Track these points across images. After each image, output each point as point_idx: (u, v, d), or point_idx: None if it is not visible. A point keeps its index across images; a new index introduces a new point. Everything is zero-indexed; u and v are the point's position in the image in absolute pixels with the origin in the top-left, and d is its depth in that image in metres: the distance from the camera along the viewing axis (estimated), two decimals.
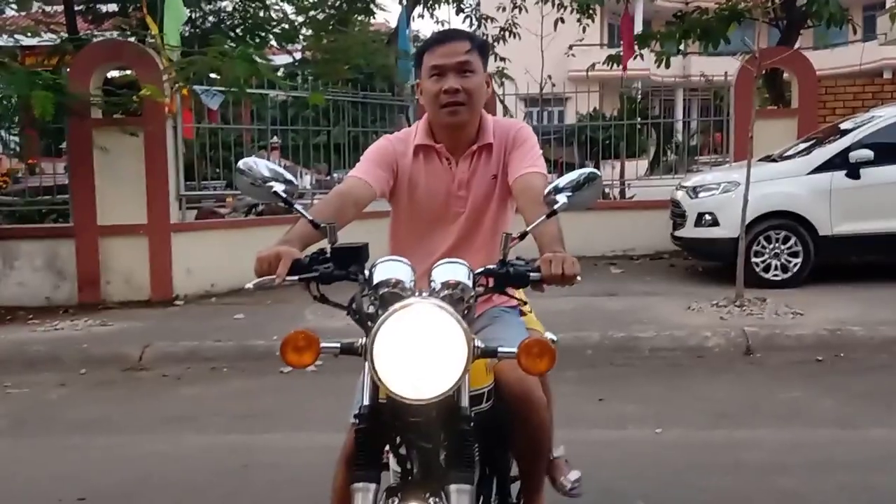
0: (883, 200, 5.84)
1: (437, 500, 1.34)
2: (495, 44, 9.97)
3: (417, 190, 1.80)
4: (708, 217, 6.18)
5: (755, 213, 5.68)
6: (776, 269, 5.96)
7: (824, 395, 3.75)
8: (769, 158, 6.52)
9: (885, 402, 3.63)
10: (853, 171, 5.89)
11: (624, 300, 5.62)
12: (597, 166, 9.27)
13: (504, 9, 9.98)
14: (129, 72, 6.50)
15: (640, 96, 9.63)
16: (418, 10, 9.76)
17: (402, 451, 1.46)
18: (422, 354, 1.27)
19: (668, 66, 8.60)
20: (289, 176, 1.55)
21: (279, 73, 7.39)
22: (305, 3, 8.18)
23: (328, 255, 1.46)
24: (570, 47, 9.97)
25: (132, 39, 6.72)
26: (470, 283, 1.40)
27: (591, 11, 9.40)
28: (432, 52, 1.74)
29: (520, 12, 9.72)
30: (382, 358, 1.27)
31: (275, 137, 7.38)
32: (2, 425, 3.69)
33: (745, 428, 3.34)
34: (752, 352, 4.45)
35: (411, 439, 1.42)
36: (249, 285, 1.43)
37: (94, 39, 6.99)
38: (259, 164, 1.55)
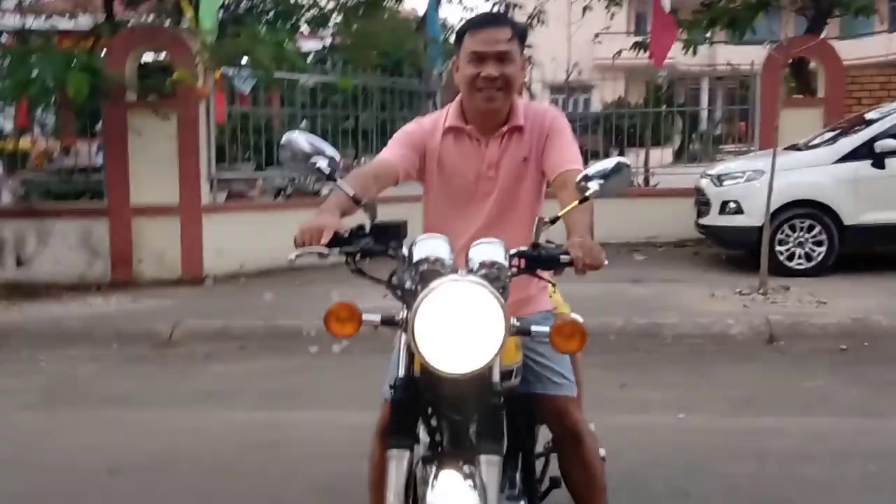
0: None
1: (471, 468, 1.40)
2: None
3: (447, 170, 1.83)
4: (732, 205, 6.16)
5: (780, 201, 5.64)
6: (800, 257, 5.93)
7: (848, 385, 3.74)
8: (794, 147, 6.47)
9: None
10: (878, 161, 5.84)
11: (648, 287, 5.62)
12: (622, 154, 9.24)
13: None
14: (163, 55, 6.58)
15: (665, 84, 9.53)
16: None
17: (433, 422, 1.51)
18: (460, 330, 1.32)
19: (695, 53, 8.52)
20: (331, 151, 1.57)
21: (309, 58, 7.43)
22: None
23: (367, 230, 1.50)
24: (597, 35, 9.88)
25: (167, 23, 6.80)
26: (506, 263, 1.45)
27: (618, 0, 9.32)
28: (473, 36, 1.75)
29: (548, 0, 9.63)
30: (422, 332, 1.33)
31: (304, 121, 7.44)
32: (35, 398, 3.74)
33: (769, 416, 3.34)
34: (775, 340, 4.44)
35: (442, 411, 1.47)
36: (292, 255, 1.44)
37: (130, 23, 7.08)
38: (302, 139, 1.56)
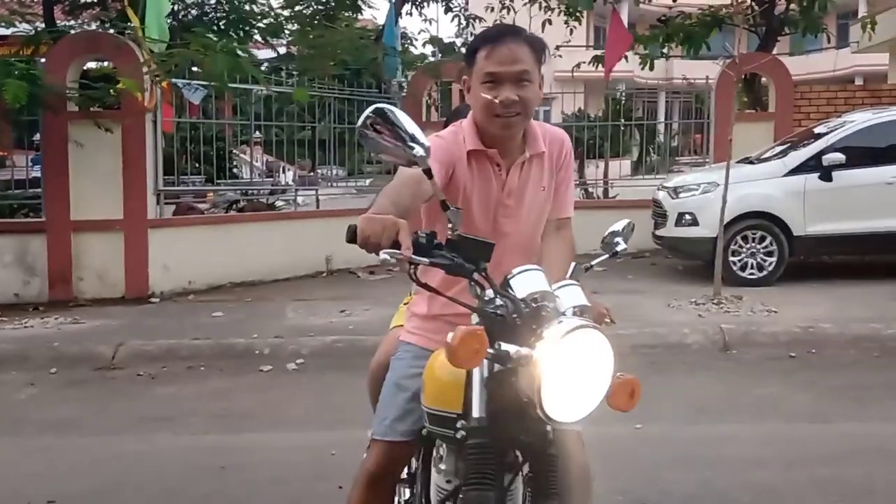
0: (853, 202, 5.99)
1: None
2: None
3: (468, 198, 1.64)
4: (688, 217, 6.27)
5: (733, 213, 5.78)
6: (752, 267, 6.07)
7: (798, 391, 3.83)
8: (747, 160, 6.64)
9: (855, 397, 3.72)
10: (826, 174, 6.03)
11: (606, 298, 5.56)
12: (581, 166, 9.35)
13: (492, 9, 9.99)
14: (106, 64, 6.38)
15: (623, 98, 9.72)
16: (406, 7, 9.72)
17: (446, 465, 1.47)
18: (577, 378, 1.27)
19: (651, 68, 8.72)
20: (425, 140, 1.33)
21: (263, 68, 7.30)
22: None
23: (441, 241, 1.32)
24: (557, 48, 10.04)
25: (111, 31, 6.59)
26: (589, 306, 1.43)
27: (578, 14, 9.48)
28: (489, 56, 1.57)
29: (508, 13, 9.74)
30: (550, 375, 1.24)
31: (257, 132, 7.30)
32: None
33: (723, 423, 3.39)
34: (728, 348, 4.52)
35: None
36: (385, 255, 1.23)
37: (72, 31, 6.85)
38: (404, 117, 1.32)
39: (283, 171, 8.49)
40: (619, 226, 1.76)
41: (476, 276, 1.33)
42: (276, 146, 7.46)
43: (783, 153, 6.49)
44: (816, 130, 6.65)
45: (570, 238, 1.76)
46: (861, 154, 6.06)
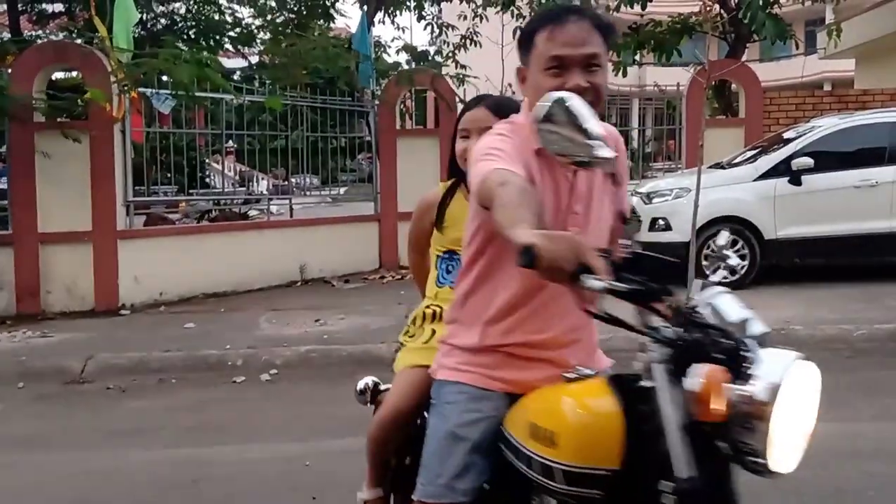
0: (822, 205, 6.10)
1: None
2: (456, 51, 10.01)
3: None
4: (661, 222, 6.34)
5: (705, 217, 5.84)
6: (724, 271, 6.12)
7: None
8: (718, 165, 6.74)
9: (826, 398, 3.66)
10: (795, 178, 6.14)
11: None
12: None
13: (465, 17, 10.06)
14: (74, 73, 6.31)
15: None
16: (379, 15, 9.75)
17: None
18: (795, 419, 1.14)
19: (624, 75, 8.83)
20: (601, 132, 1.18)
21: (235, 77, 7.26)
22: (264, 5, 8.07)
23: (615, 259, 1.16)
24: None
25: (79, 41, 6.52)
26: (770, 332, 1.27)
27: None
28: (552, 38, 1.36)
29: (480, 21, 9.80)
30: (777, 420, 1.09)
31: (230, 142, 7.24)
32: None
33: None
34: None
35: None
36: (600, 283, 1.07)
37: (39, 40, 6.77)
38: (587, 111, 1.16)
39: (257, 181, 8.44)
40: (722, 239, 1.57)
41: (669, 302, 1.17)
42: (248, 155, 7.40)
43: (754, 158, 6.60)
44: (786, 135, 6.76)
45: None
46: (829, 158, 6.19)
